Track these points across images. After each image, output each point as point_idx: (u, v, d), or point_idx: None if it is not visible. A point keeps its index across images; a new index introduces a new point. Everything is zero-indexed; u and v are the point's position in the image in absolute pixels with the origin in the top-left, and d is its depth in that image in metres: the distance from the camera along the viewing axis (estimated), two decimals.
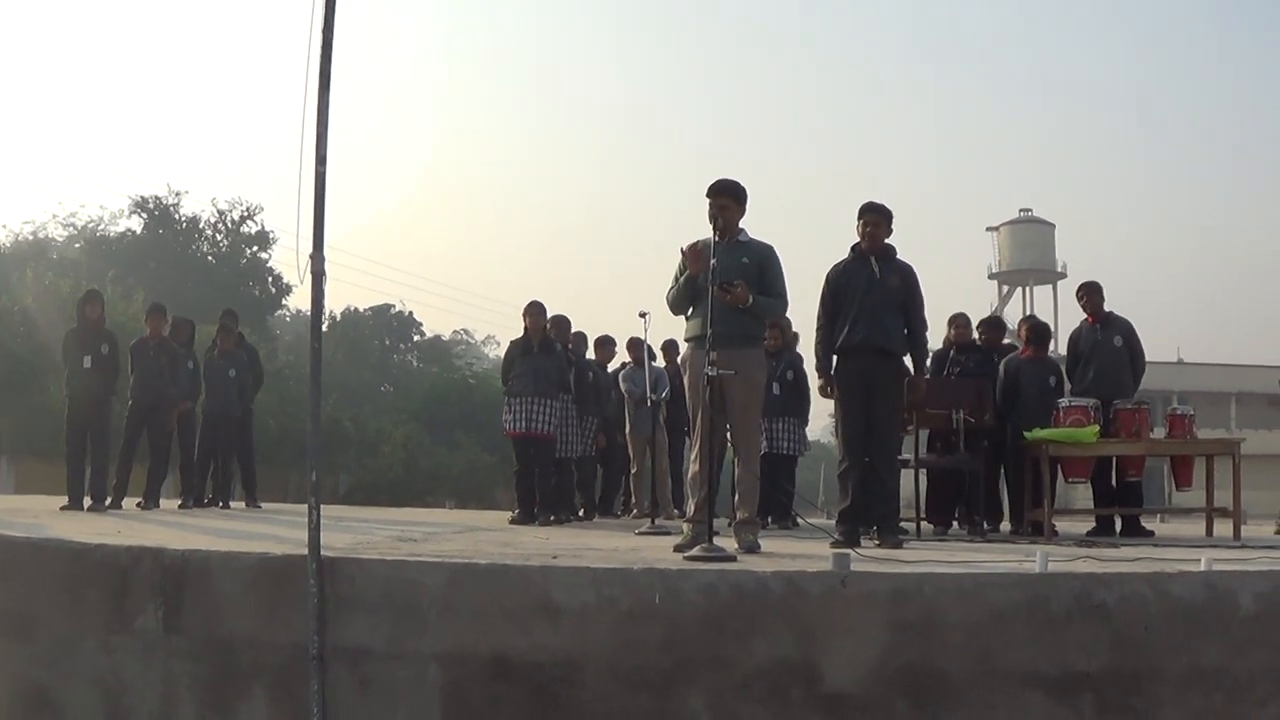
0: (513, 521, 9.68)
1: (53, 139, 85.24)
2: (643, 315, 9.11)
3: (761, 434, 8.23)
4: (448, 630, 4.75)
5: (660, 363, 11.82)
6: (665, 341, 12.15)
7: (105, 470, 10.39)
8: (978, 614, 4.48)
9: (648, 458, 11.13)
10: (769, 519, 9.47)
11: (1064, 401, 8.64)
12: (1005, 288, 61.67)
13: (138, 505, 10.51)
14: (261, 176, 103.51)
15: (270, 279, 46.25)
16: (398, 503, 26.16)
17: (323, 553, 4.96)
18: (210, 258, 45.45)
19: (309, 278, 5.16)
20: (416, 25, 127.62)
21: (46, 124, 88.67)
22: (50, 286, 29.55)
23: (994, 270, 61.68)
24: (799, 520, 9.18)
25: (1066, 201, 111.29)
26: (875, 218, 7.16)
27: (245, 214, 45.72)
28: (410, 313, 59.15)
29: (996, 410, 8.85)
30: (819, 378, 7.33)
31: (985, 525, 8.89)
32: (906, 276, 7.16)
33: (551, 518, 9.66)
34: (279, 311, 49.91)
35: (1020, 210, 62.31)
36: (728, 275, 6.17)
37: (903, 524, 8.10)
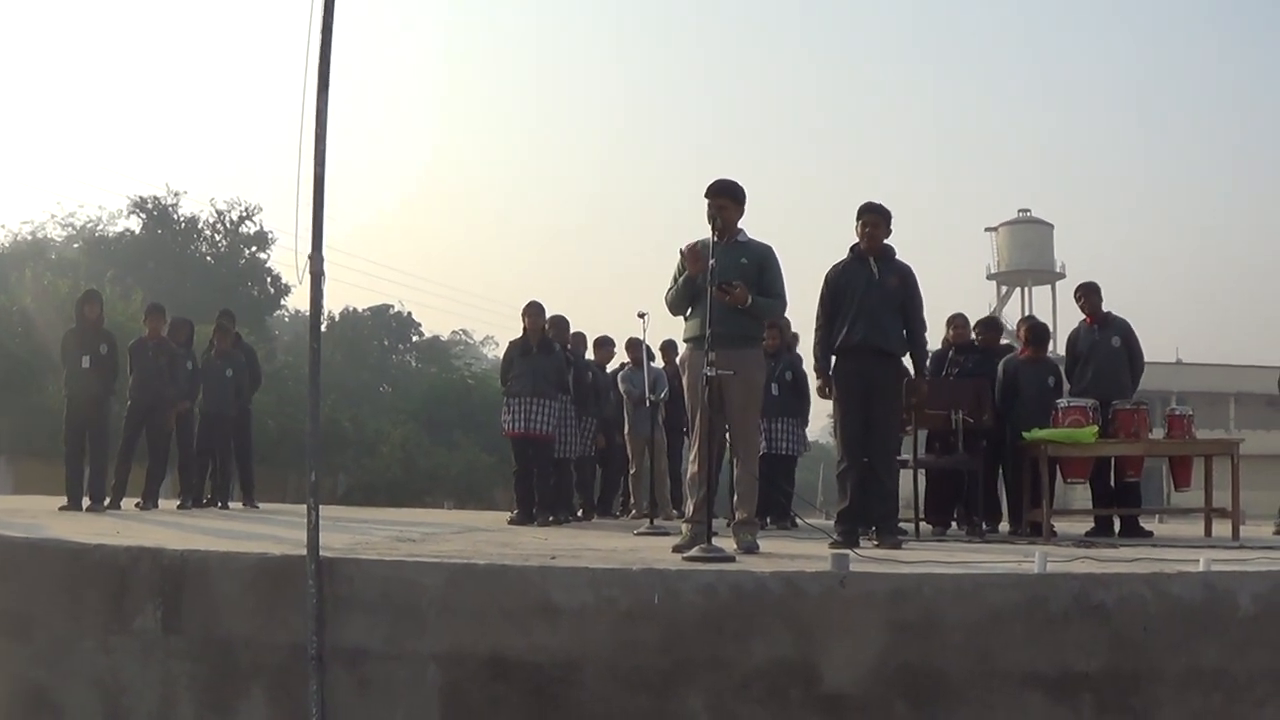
0: (511, 522, 9.68)
1: (51, 139, 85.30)
2: (641, 316, 9.11)
3: (760, 434, 8.23)
4: (446, 630, 4.76)
5: (659, 363, 11.82)
6: (664, 342, 12.16)
7: (104, 470, 10.38)
8: (976, 614, 4.48)
9: (646, 458, 11.13)
10: (768, 519, 9.47)
11: (1063, 402, 8.65)
12: (1004, 288, 61.74)
13: (136, 505, 10.50)
14: (260, 177, 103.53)
15: (269, 279, 46.20)
16: (396, 503, 26.16)
17: (321, 553, 4.96)
18: (209, 258, 45.40)
19: (308, 278, 5.16)
20: (416, 25, 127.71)
21: (45, 124, 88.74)
22: (49, 287, 29.53)
23: (993, 271, 61.74)
24: (798, 521, 9.17)
25: (1065, 202, 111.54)
26: (874, 218, 7.16)
27: (244, 214, 45.72)
28: (409, 313, 59.18)
29: (995, 411, 8.85)
30: (818, 378, 7.34)
31: (984, 526, 8.89)
32: (905, 277, 7.16)
33: (550, 518, 9.65)
34: (278, 312, 49.85)
35: (1019, 211, 62.42)
36: (726, 275, 6.17)
37: (901, 524, 8.11)
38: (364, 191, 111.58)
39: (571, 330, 10.91)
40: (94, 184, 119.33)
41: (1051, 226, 61.65)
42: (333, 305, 52.54)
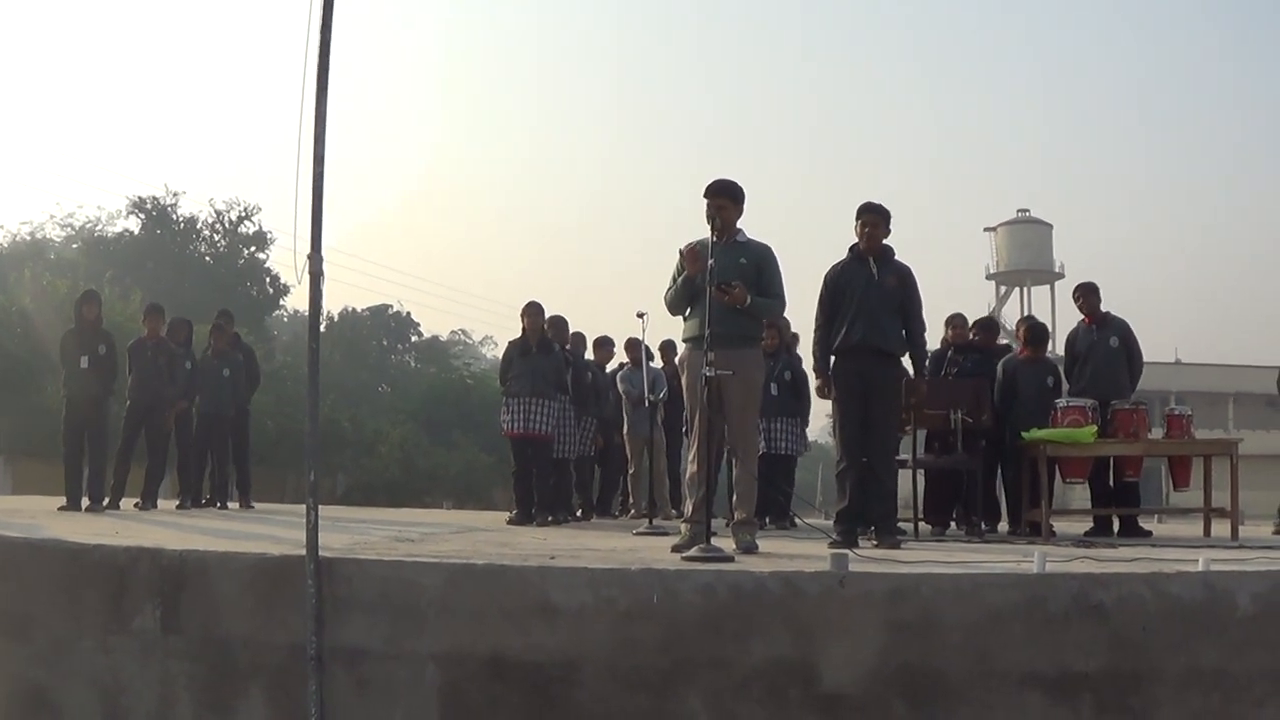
0: (510, 522, 9.68)
1: (50, 139, 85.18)
2: (640, 316, 9.11)
3: (759, 434, 8.23)
4: (445, 630, 4.76)
5: (658, 363, 11.82)
6: (663, 342, 12.16)
7: (103, 471, 10.39)
8: (975, 614, 4.48)
9: (645, 458, 11.12)
10: (767, 519, 9.47)
11: (1062, 402, 8.65)
12: (1003, 288, 61.79)
13: (135, 505, 10.51)
14: (259, 177, 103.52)
15: (268, 279, 46.13)
16: (395, 503, 26.14)
17: (320, 553, 4.96)
18: (208, 258, 45.34)
19: (307, 278, 5.16)
20: (416, 24, 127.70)
21: (44, 124, 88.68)
22: (48, 287, 29.50)
23: (992, 271, 61.79)
24: (796, 520, 9.17)
25: (1064, 202, 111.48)
26: (873, 218, 7.16)
27: (243, 214, 45.62)
28: (408, 313, 59.11)
29: (994, 410, 8.85)
30: (817, 378, 7.34)
31: (983, 525, 8.89)
32: (904, 277, 7.16)
33: (549, 518, 9.65)
34: (276, 312, 49.77)
35: (1018, 211, 62.47)
36: (726, 275, 6.18)
37: (900, 524, 8.11)
38: (363, 191, 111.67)
39: (571, 330, 10.91)
40: (93, 184, 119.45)
41: (1050, 226, 61.70)
42: (331, 305, 52.51)
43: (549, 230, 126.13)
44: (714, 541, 5.60)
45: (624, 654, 4.59)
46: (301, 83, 5.04)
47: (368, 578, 4.93)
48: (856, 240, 7.21)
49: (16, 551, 5.70)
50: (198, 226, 45.62)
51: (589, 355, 11.75)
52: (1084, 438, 8.22)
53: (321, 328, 5.95)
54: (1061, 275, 57.81)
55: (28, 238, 44.19)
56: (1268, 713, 4.46)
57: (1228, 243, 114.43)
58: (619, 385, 11.74)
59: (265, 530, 7.86)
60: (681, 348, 6.87)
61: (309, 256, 5.14)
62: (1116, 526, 8.96)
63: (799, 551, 6.21)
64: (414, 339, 60.36)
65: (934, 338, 9.20)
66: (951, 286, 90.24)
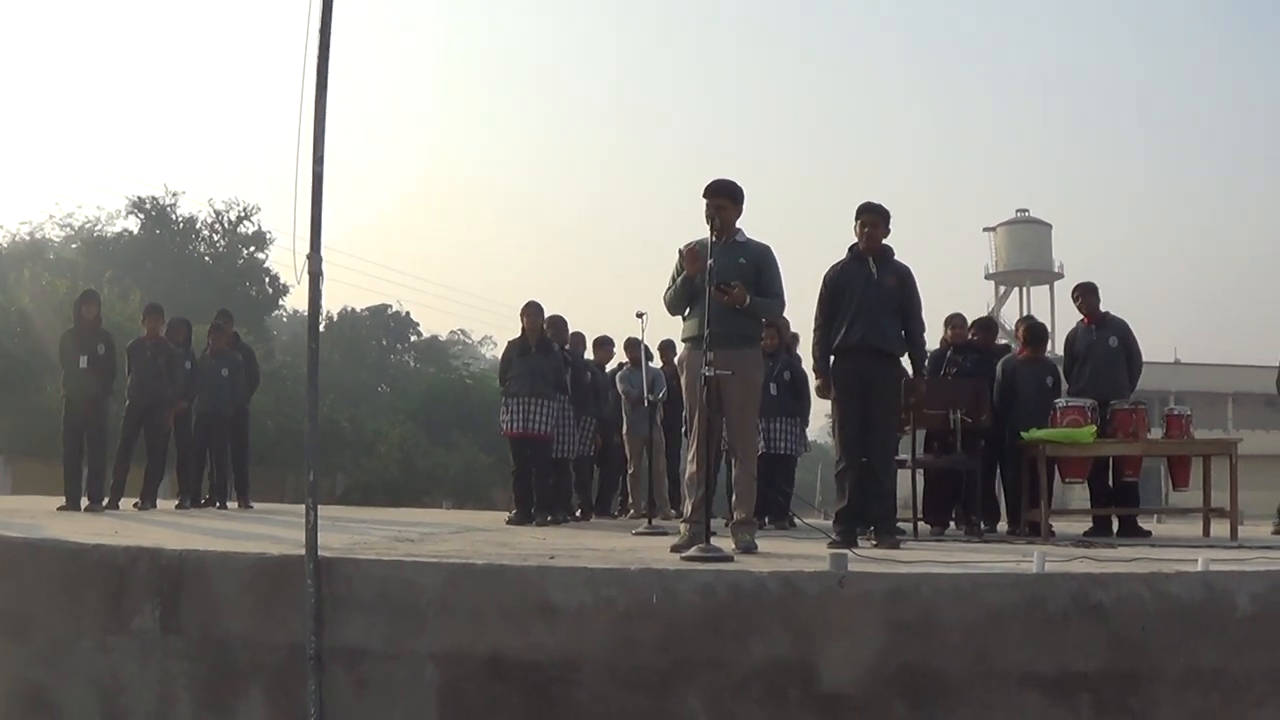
0: (510, 522, 9.67)
1: (50, 139, 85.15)
2: (640, 316, 9.11)
3: (759, 434, 8.24)
4: (445, 630, 4.76)
5: (657, 363, 11.82)
6: (662, 342, 12.16)
7: (102, 470, 10.38)
8: (975, 614, 4.48)
9: (645, 458, 11.12)
10: (766, 519, 9.47)
11: (1061, 402, 8.65)
12: (1002, 288, 61.83)
13: (135, 505, 10.50)
14: (259, 177, 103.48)
15: (267, 279, 46.11)
16: (395, 503, 26.14)
17: (320, 553, 4.96)
18: (207, 258, 45.32)
19: (306, 278, 5.16)
20: (415, 24, 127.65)
21: (43, 124, 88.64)
22: (47, 287, 29.49)
23: (991, 271, 61.83)
24: (796, 520, 9.17)
25: (1063, 202, 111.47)
26: (873, 218, 7.17)
27: (242, 214, 45.61)
28: (407, 313, 59.10)
29: (993, 410, 8.85)
30: (817, 378, 7.35)
31: (982, 525, 8.89)
32: (904, 277, 7.17)
33: (549, 518, 9.66)
34: (276, 312, 49.74)
35: (1017, 211, 62.51)
36: (725, 275, 6.18)
37: (900, 524, 8.11)
38: (362, 191, 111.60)
39: (570, 330, 10.91)
40: (92, 184, 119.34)
41: (1050, 226, 61.74)
42: (331, 305, 52.48)
43: (548, 230, 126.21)
44: (713, 541, 5.59)
45: (623, 654, 4.59)
46: (301, 82, 5.04)
47: (367, 578, 4.93)
48: (856, 240, 7.21)
49: (16, 551, 5.70)
50: (197, 226, 45.62)
51: (589, 355, 11.75)
52: (1083, 438, 8.22)
53: (321, 328, 5.95)
54: (1061, 275, 57.88)
55: (27, 237, 44.18)
56: (1267, 713, 4.46)
57: (1227, 243, 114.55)
58: (618, 385, 11.74)
59: (264, 530, 7.86)
60: (681, 348, 6.87)
61: (308, 256, 5.14)
62: (1116, 526, 8.96)
63: (798, 551, 6.21)
64: (413, 339, 60.37)
65: (933, 338, 9.21)
66: (951, 286, 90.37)
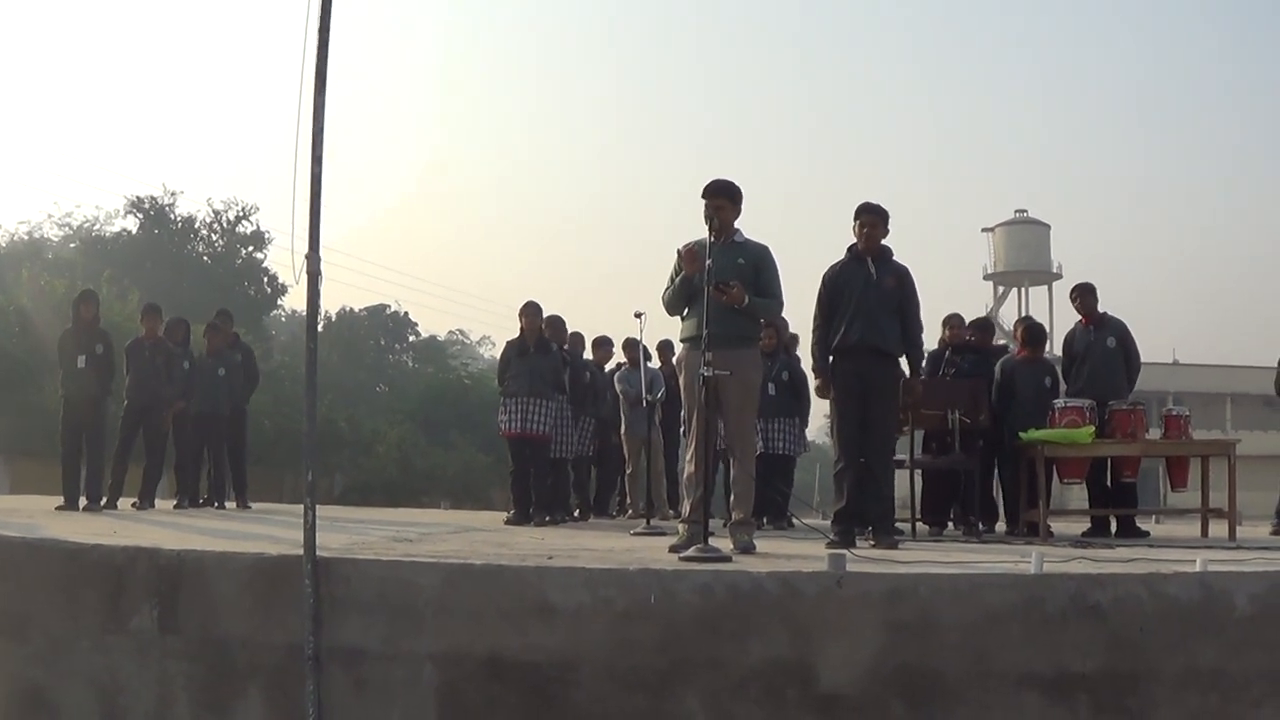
0: (508, 522, 9.67)
1: (48, 139, 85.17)
2: (638, 316, 9.11)
3: (757, 434, 8.23)
4: (443, 631, 4.76)
5: (656, 363, 11.82)
6: (661, 342, 12.15)
7: (100, 470, 10.37)
8: (973, 615, 4.48)
9: (643, 458, 11.12)
10: (764, 520, 9.47)
11: (1059, 402, 8.66)
12: (1001, 288, 61.81)
13: (133, 505, 10.49)
14: (257, 176, 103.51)
15: (266, 279, 46.07)
16: (393, 503, 26.13)
17: (318, 553, 4.96)
18: (206, 258, 45.30)
19: (304, 278, 5.16)
20: (414, 24, 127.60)
21: (42, 124, 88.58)
22: (45, 286, 29.48)
23: (989, 271, 61.80)
24: (794, 521, 9.17)
25: (1062, 202, 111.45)
26: (872, 219, 7.16)
27: (241, 214, 45.59)
28: (406, 313, 59.09)
29: (992, 411, 8.85)
30: (817, 378, 7.35)
31: (980, 526, 8.89)
32: (902, 278, 7.17)
33: (547, 518, 9.66)
34: (274, 312, 49.70)
35: (1016, 211, 62.48)
36: (723, 276, 6.18)
37: (898, 525, 8.11)
38: (361, 191, 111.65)
39: (569, 330, 10.90)
40: (91, 184, 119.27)
41: (1048, 227, 61.71)
42: (329, 305, 52.46)
43: (547, 230, 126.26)
44: (712, 542, 5.60)
45: (621, 654, 4.59)
46: (300, 82, 5.04)
47: (365, 578, 4.93)
48: (855, 240, 7.22)
49: (14, 551, 5.70)
50: (195, 226, 45.60)
51: (587, 355, 11.75)
52: (1081, 438, 8.23)
53: (319, 327, 5.95)
54: (1059, 276, 57.87)
55: (25, 237, 44.17)
56: (1265, 713, 4.46)
57: (1225, 244, 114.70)
58: (616, 385, 11.73)
59: (263, 530, 7.85)
60: (679, 348, 6.87)
61: (307, 256, 5.14)
62: (1114, 527, 8.96)
63: (797, 552, 6.21)
64: (411, 339, 60.34)
65: (931, 338, 9.21)
66: (949, 287, 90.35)
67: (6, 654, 5.50)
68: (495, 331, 65.56)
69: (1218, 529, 8.67)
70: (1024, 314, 43.82)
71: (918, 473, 9.30)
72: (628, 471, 12.04)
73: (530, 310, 9.76)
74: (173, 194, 45.55)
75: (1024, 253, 60.24)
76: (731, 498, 6.62)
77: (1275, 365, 10.51)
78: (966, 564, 5.43)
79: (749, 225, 6.60)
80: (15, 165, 79.09)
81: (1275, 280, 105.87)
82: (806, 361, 8.33)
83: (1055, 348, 13.09)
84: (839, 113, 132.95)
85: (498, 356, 10.95)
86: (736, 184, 6.51)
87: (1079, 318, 9.42)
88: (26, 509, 9.51)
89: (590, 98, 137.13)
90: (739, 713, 4.50)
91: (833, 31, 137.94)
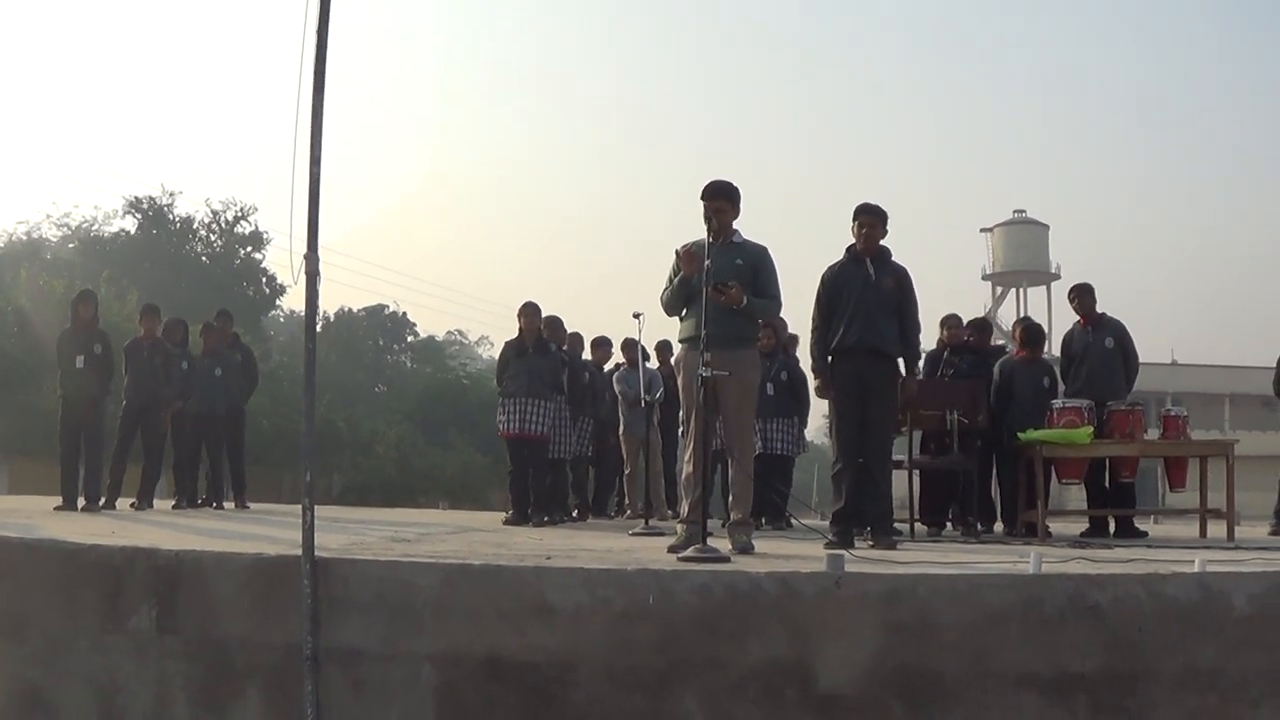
0: (507, 522, 9.67)
1: (47, 139, 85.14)
2: (637, 316, 9.12)
3: (755, 435, 8.23)
4: (442, 631, 4.76)
5: (654, 364, 11.81)
6: (659, 342, 12.14)
7: (99, 470, 10.36)
8: (972, 615, 4.48)
9: (641, 459, 11.12)
10: (763, 520, 9.47)
11: (1058, 403, 8.66)
12: (999, 289, 61.81)
13: (131, 506, 10.49)
14: (256, 177, 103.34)
15: (264, 279, 46.06)
16: (391, 503, 26.12)
17: (317, 553, 4.95)
18: (204, 258, 45.29)
19: (303, 278, 5.16)
20: (414, 25, 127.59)
21: (41, 124, 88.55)
22: (44, 287, 29.48)
23: (988, 271, 61.81)
24: (793, 521, 9.17)
25: (1061, 203, 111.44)
26: (870, 219, 7.16)
27: (239, 214, 45.59)
28: (404, 313, 59.11)
29: (990, 411, 8.86)
30: (816, 378, 7.35)
31: (979, 526, 8.89)
32: (901, 278, 7.17)
33: (545, 519, 9.65)
34: (273, 312, 49.72)
35: (1014, 211, 62.49)
36: (722, 276, 6.18)
37: (897, 525, 8.11)
38: (360, 192, 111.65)
39: (568, 331, 10.90)
40: (89, 184, 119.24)
41: (1047, 227, 61.72)
42: (328, 305, 52.48)
43: (546, 231, 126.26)
44: (710, 542, 5.60)
45: (620, 654, 4.59)
46: (298, 81, 5.04)
47: (364, 578, 4.92)
48: (854, 241, 7.22)
49: (12, 551, 5.69)
50: (194, 226, 45.60)
51: (586, 355, 11.74)
52: (1080, 438, 8.23)
53: (318, 328, 5.94)
54: (1058, 276, 57.88)
55: (24, 237, 44.15)
56: (1264, 713, 4.47)
57: (1224, 244, 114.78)
58: (615, 386, 11.73)
59: (261, 530, 7.85)
60: (678, 348, 6.87)
61: (305, 256, 5.13)
62: (1112, 527, 8.97)
63: (795, 552, 6.21)
64: (410, 339, 60.35)
65: (930, 339, 9.21)
66: (948, 287, 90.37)
67: (5, 654, 5.49)
68: (494, 332, 65.66)
69: (1216, 529, 8.66)
70: (1022, 314, 43.95)
71: (916, 473, 9.30)
72: (626, 472, 12.04)
73: (529, 310, 9.76)
74: (171, 194, 45.59)
75: (1022, 253, 60.24)
76: (730, 498, 6.62)
77: (1274, 366, 10.51)
78: (965, 564, 5.43)
79: (748, 226, 6.62)
80: (14, 165, 79.18)
81: (1274, 280, 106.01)
82: (805, 362, 8.33)
83: (1054, 348, 13.10)
84: (839, 113, 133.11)
85: (496, 357, 10.96)
86: (735, 185, 6.52)
87: (1077, 318, 9.43)
88: (25, 509, 9.51)
89: (590, 98, 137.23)
90: (737, 713, 4.50)
91: (833, 31, 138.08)
